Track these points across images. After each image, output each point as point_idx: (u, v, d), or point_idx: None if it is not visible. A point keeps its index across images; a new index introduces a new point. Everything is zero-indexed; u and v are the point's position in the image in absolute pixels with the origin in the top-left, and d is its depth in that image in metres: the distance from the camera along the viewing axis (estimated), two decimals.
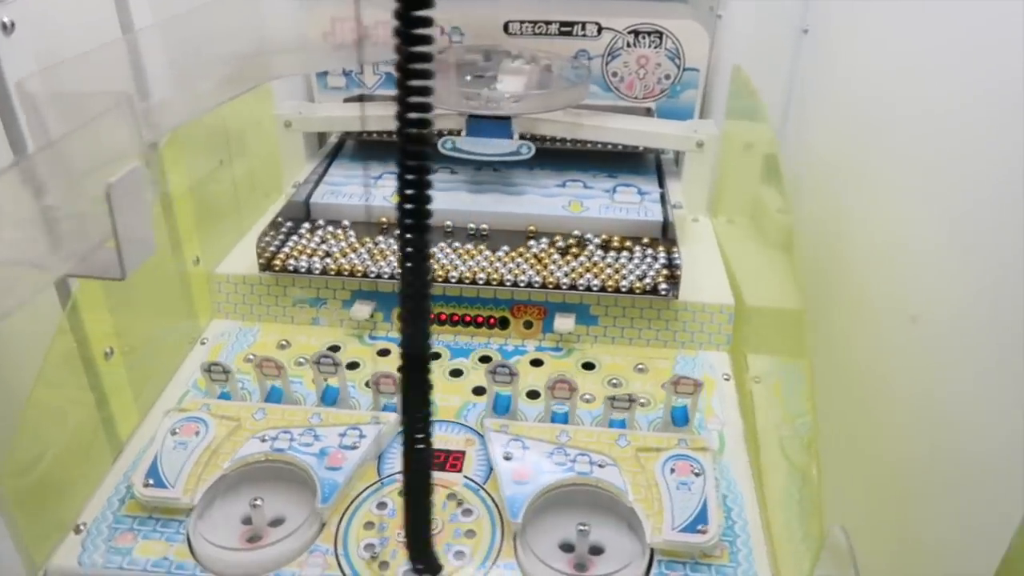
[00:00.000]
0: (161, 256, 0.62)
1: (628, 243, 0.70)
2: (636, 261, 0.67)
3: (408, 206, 0.30)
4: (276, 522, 0.50)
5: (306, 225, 0.72)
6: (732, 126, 0.79)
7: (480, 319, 0.67)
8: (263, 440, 0.53)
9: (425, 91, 0.28)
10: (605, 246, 0.69)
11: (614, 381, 0.62)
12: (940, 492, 0.51)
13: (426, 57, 0.27)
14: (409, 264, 0.31)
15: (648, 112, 0.86)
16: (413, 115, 0.29)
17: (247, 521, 0.50)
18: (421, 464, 0.36)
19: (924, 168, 0.57)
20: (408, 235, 0.30)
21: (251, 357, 0.63)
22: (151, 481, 0.50)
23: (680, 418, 0.55)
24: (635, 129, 0.77)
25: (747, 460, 0.55)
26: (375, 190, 0.77)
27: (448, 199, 0.75)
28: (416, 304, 0.32)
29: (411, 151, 0.29)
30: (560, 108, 0.75)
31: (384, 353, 0.65)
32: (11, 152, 0.48)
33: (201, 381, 0.59)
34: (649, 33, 0.82)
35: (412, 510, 0.37)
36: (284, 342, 0.66)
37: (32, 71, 0.47)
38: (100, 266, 0.29)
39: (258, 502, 0.49)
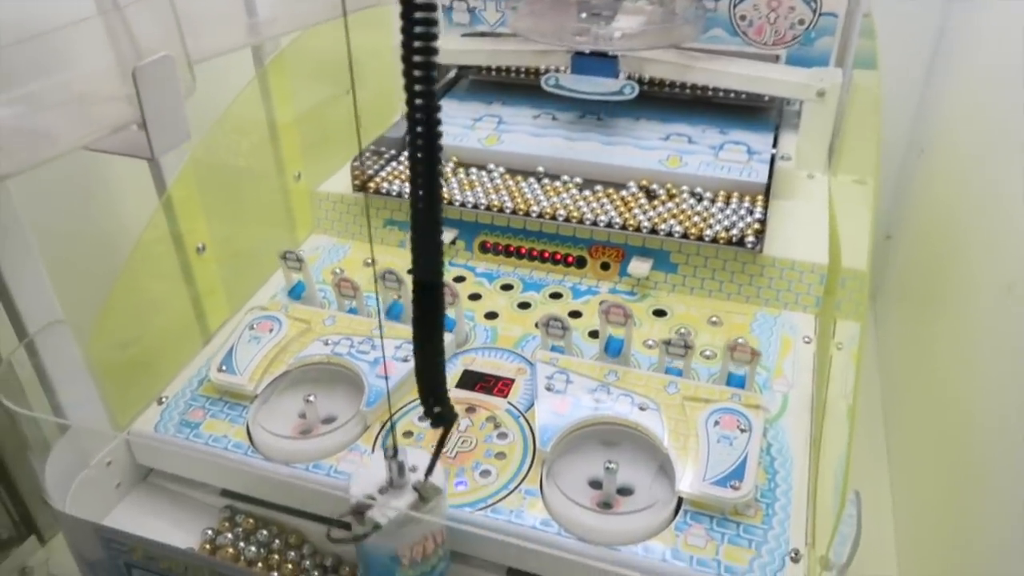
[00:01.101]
0: (264, 169, 0.67)
1: (721, 194, 0.66)
2: (726, 212, 0.64)
3: (417, 129, 0.30)
4: (328, 420, 0.53)
5: (404, 155, 0.74)
6: (861, 77, 0.73)
7: (557, 256, 0.66)
8: (326, 343, 0.56)
9: (430, 7, 0.28)
10: (695, 194, 0.66)
11: (683, 331, 0.60)
12: None
13: None
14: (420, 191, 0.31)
15: (776, 60, 0.80)
16: (419, 29, 0.28)
17: (303, 415, 0.53)
18: (431, 309, 0.34)
19: None
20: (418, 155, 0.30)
21: (337, 271, 0.67)
22: (224, 368, 0.55)
23: (737, 382, 0.53)
24: (746, 74, 0.72)
25: (808, 427, 0.52)
26: (472, 131, 0.77)
27: (543, 144, 0.73)
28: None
29: (418, 75, 0.29)
30: (666, 46, 0.72)
31: (459, 280, 0.66)
32: None
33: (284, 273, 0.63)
34: None
35: (423, 359, 0.36)
36: (370, 260, 0.69)
37: None
38: (133, 145, 0.32)
39: (311, 398, 0.52)
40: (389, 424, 0.51)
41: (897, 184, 0.89)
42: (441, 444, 0.39)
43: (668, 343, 0.53)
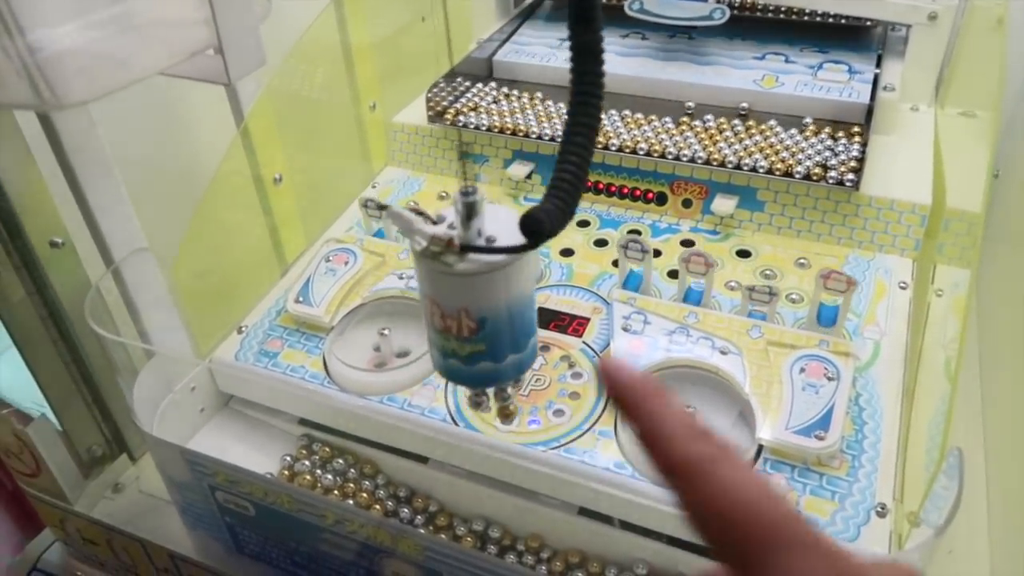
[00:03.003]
0: (340, 99, 0.66)
1: (814, 126, 0.62)
2: (819, 146, 0.60)
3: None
4: (402, 353, 0.53)
5: (481, 83, 0.72)
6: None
7: (637, 192, 0.64)
8: (400, 278, 0.56)
9: None
10: (787, 125, 0.62)
11: (768, 272, 0.57)
12: None
13: None
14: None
15: None
16: None
17: (377, 348, 0.53)
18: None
19: None
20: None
21: (412, 204, 0.66)
22: (301, 299, 0.55)
23: (828, 318, 0.50)
24: None
25: (901, 377, 0.49)
26: (560, 51, 0.74)
27: (632, 64, 0.70)
28: None
29: None
30: None
31: None
32: None
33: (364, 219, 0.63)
34: None
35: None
36: (444, 193, 0.68)
37: None
38: (209, 70, 0.31)
39: (386, 331, 0.52)
40: None
41: (1011, 119, 0.82)
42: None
43: (752, 289, 0.50)
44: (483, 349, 0.32)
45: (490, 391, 0.37)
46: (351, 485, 0.50)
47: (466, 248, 0.29)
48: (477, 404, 0.37)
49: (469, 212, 0.29)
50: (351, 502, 0.49)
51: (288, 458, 0.52)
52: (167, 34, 0.32)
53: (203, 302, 0.55)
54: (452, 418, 0.48)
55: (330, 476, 0.50)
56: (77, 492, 0.54)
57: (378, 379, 0.51)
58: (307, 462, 0.51)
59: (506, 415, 0.38)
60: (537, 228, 0.28)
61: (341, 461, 0.51)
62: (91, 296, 0.44)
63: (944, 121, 0.67)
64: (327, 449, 0.52)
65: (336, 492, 0.50)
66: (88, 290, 0.48)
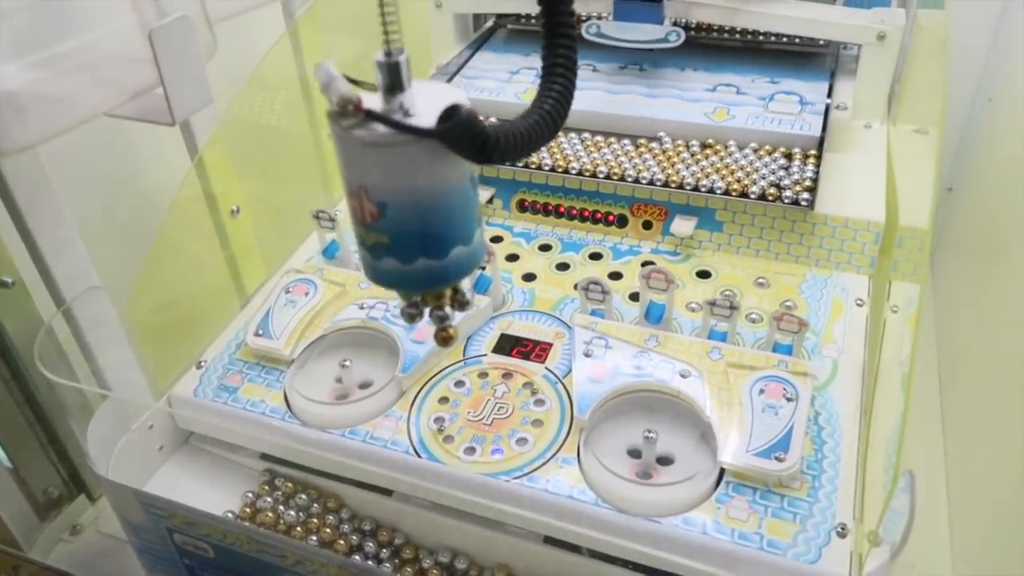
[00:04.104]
0: (298, 128, 0.66)
1: (768, 146, 0.63)
2: (773, 166, 0.61)
3: None
4: (364, 385, 0.53)
5: None
6: (927, 18, 0.68)
7: (598, 215, 0.64)
8: (361, 307, 0.55)
9: None
10: (740, 147, 0.63)
11: (728, 292, 0.58)
12: None
13: None
14: None
15: (832, 1, 0.75)
16: None
17: (339, 380, 0.53)
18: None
19: None
20: None
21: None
22: (260, 332, 0.54)
23: (784, 353, 0.50)
24: (800, 16, 0.67)
25: (859, 395, 0.50)
26: (509, 85, 0.74)
27: (582, 98, 0.70)
28: None
29: None
30: None
31: (496, 240, 0.65)
32: None
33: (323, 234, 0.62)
34: None
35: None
36: None
37: None
38: (153, 111, 0.31)
39: (347, 363, 0.52)
40: None
41: (962, 134, 0.84)
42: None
43: (713, 303, 0.50)
44: (386, 241, 0.30)
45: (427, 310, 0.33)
46: (315, 520, 0.49)
47: (370, 114, 0.27)
48: (409, 316, 0.34)
49: (390, 79, 0.27)
50: (314, 539, 0.48)
51: (250, 495, 0.51)
52: (110, 74, 0.31)
53: (161, 337, 0.54)
54: (415, 450, 0.47)
55: (293, 512, 0.49)
56: (34, 536, 0.53)
57: (339, 412, 0.50)
58: (269, 498, 0.50)
59: (443, 339, 0.34)
60: (461, 122, 0.26)
61: (304, 496, 0.50)
62: (40, 339, 0.43)
63: (896, 138, 0.69)
64: (290, 484, 0.51)
65: (299, 528, 0.49)
66: (38, 329, 0.47)
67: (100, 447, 0.47)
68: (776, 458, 0.43)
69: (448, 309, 0.34)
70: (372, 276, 0.32)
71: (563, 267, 0.61)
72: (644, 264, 0.61)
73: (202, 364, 0.55)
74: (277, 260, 0.64)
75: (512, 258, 0.62)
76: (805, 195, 0.58)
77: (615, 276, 0.60)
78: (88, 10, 0.34)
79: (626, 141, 0.65)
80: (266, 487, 0.51)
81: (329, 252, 0.61)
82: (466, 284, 0.34)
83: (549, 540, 0.46)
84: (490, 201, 0.66)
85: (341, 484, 0.50)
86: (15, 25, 0.32)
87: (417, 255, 0.30)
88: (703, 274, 0.60)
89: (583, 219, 0.65)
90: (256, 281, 0.62)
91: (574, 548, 0.46)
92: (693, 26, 0.75)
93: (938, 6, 0.68)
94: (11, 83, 0.32)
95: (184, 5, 0.34)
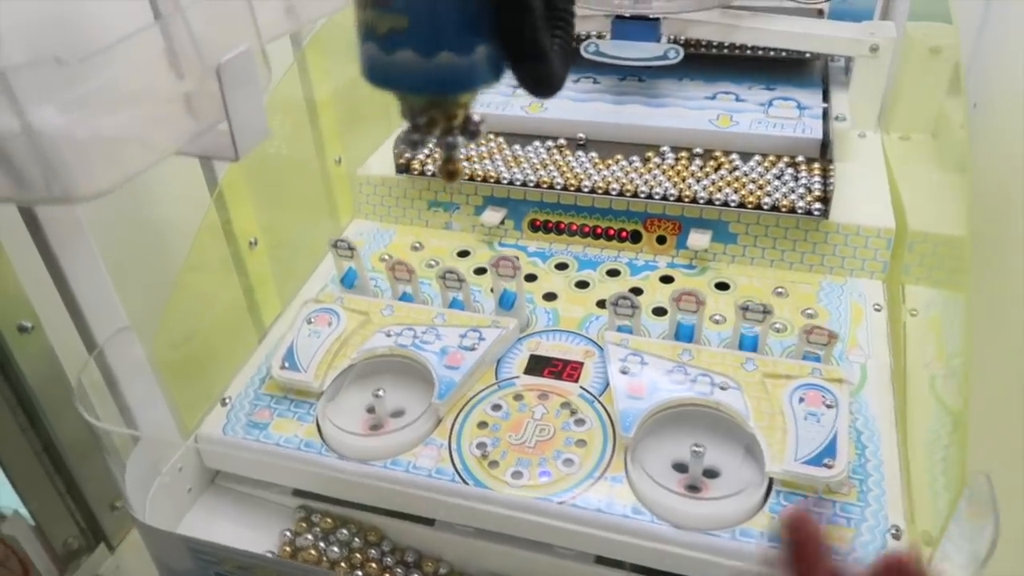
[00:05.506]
0: (305, 155, 0.65)
1: (772, 157, 0.64)
2: (784, 177, 0.62)
3: None
4: (397, 413, 0.52)
5: None
6: (915, 29, 0.70)
7: (612, 231, 0.65)
8: (388, 335, 0.55)
9: None
10: (749, 158, 0.64)
11: (748, 304, 0.58)
12: None
13: None
14: None
15: (819, 15, 0.77)
16: None
17: (371, 409, 0.52)
18: None
19: None
20: None
21: (386, 258, 0.65)
22: (287, 364, 0.53)
23: (813, 359, 0.51)
24: (795, 31, 0.69)
25: (891, 398, 0.51)
26: (513, 99, 0.74)
27: (585, 110, 0.71)
28: None
29: None
30: (711, 7, 0.69)
31: None
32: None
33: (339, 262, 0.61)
34: None
35: None
36: (417, 244, 0.67)
37: None
38: (214, 147, 0.30)
39: (380, 392, 0.51)
40: None
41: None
42: None
43: (746, 308, 0.51)
44: (404, 25, 0.25)
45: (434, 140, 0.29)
46: (358, 555, 0.48)
47: None
48: (412, 144, 0.29)
49: None
50: (359, 574, 0.47)
51: (288, 533, 0.49)
52: (178, 111, 0.30)
53: (183, 374, 0.53)
54: (461, 477, 0.47)
55: (336, 548, 0.48)
56: None
57: (378, 443, 0.49)
58: (309, 535, 0.49)
59: (450, 172, 0.30)
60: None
61: (345, 531, 0.49)
62: (79, 381, 0.42)
63: (892, 145, 0.71)
64: (328, 520, 0.50)
65: (343, 564, 0.48)
66: (58, 373, 0.45)
67: (137, 492, 0.45)
68: (825, 464, 0.44)
69: (457, 136, 0.30)
70: (381, 75, 0.27)
71: (582, 285, 0.61)
72: (663, 279, 0.61)
73: (227, 401, 0.53)
74: (291, 291, 0.63)
75: (530, 278, 0.62)
76: (818, 205, 0.59)
77: (635, 291, 0.60)
78: (129, 51, 0.33)
79: (635, 157, 0.65)
80: (303, 524, 0.50)
81: (347, 280, 0.60)
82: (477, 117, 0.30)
83: (600, 560, 0.46)
84: (502, 222, 0.66)
85: (380, 516, 0.50)
86: (40, 68, 0.31)
87: (440, 45, 0.26)
88: (721, 286, 0.61)
89: (596, 236, 0.65)
90: (271, 313, 0.61)
91: (618, 564, 0.46)
92: (693, 42, 0.76)
93: (927, 18, 0.70)
94: (54, 126, 0.31)
95: (222, 37, 0.34)
